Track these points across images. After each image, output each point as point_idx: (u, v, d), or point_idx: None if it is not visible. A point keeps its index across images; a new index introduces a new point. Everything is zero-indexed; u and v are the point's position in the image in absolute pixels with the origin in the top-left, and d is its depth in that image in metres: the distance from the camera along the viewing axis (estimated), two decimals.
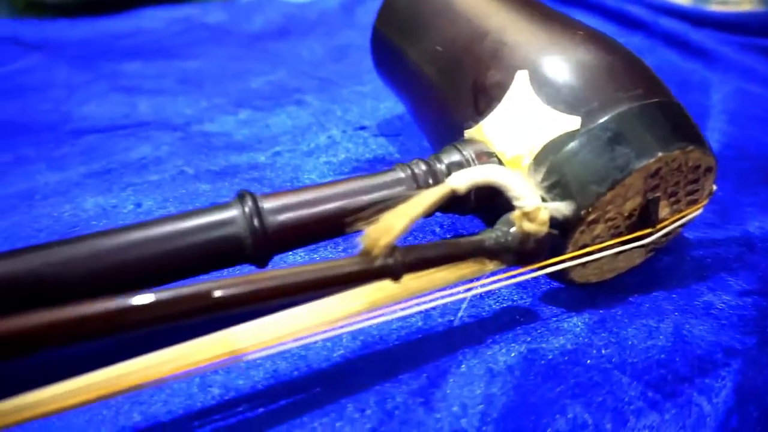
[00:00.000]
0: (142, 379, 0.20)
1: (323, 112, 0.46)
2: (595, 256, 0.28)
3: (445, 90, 0.33)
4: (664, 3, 0.64)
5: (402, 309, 0.25)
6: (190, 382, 0.24)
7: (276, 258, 0.25)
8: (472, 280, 0.26)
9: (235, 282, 0.21)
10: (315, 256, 0.31)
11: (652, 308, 0.29)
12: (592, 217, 0.27)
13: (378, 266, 0.22)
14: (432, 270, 0.25)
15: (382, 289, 0.24)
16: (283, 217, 0.26)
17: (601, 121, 0.27)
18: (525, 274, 0.26)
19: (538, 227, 0.25)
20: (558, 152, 0.27)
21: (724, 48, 0.55)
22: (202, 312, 0.20)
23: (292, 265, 0.27)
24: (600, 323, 0.28)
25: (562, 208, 0.25)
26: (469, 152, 0.29)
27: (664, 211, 0.29)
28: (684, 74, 0.54)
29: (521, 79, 0.29)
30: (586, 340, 0.27)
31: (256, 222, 0.25)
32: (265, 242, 0.25)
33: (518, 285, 0.30)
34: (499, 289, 0.29)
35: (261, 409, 0.23)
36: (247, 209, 0.25)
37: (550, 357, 0.26)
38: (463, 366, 0.25)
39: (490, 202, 0.29)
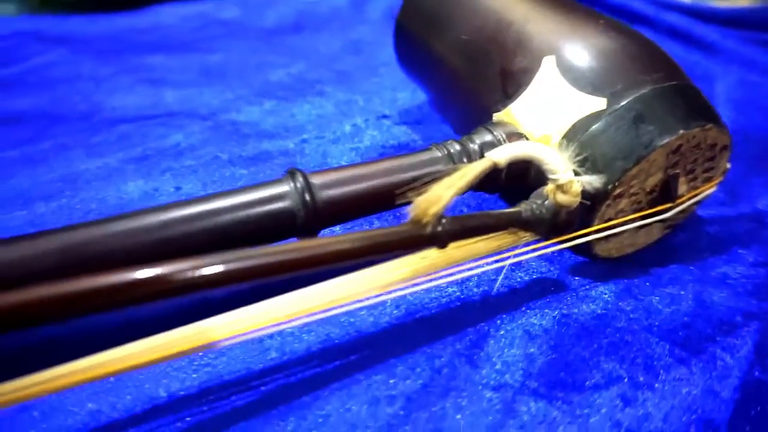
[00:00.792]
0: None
1: (345, 102, 0.48)
2: (620, 229, 0.30)
3: (471, 77, 0.35)
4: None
5: (440, 278, 0.26)
6: (246, 347, 0.26)
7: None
8: (504, 252, 0.28)
9: (299, 246, 0.23)
10: None
11: (672, 279, 0.31)
12: (618, 191, 0.28)
13: (428, 233, 0.24)
14: (471, 240, 0.27)
15: (425, 258, 0.26)
16: (331, 192, 0.27)
17: (626, 101, 0.29)
18: (557, 245, 0.28)
19: (571, 199, 0.27)
20: (585, 131, 0.29)
21: (726, 41, 0.58)
22: (270, 273, 0.22)
23: None
24: (625, 291, 0.29)
25: (594, 180, 0.27)
26: (499, 132, 0.31)
27: (682, 187, 0.31)
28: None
29: (548, 64, 0.31)
30: (613, 306, 0.28)
31: (307, 196, 0.27)
32: (315, 216, 0.27)
33: (546, 259, 0.32)
34: (529, 262, 0.31)
35: (317, 369, 0.25)
36: (298, 185, 0.27)
37: (582, 320, 0.27)
38: (501, 330, 0.27)
39: (517, 181, 0.31)
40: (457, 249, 0.27)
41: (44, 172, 0.38)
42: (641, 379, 0.24)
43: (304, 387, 0.24)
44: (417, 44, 0.40)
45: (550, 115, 0.30)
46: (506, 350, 0.26)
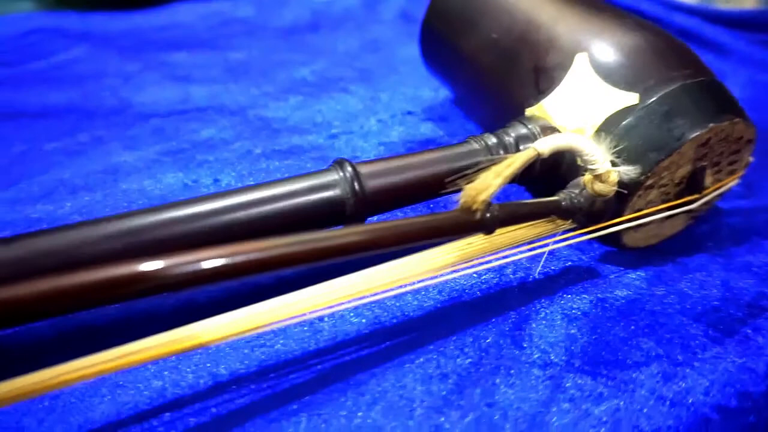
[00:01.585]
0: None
1: (370, 99, 0.49)
2: (650, 218, 0.31)
3: (502, 74, 0.37)
4: (673, 1, 0.68)
5: (481, 264, 0.28)
6: (299, 329, 0.27)
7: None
8: (537, 240, 0.29)
9: (358, 230, 0.24)
10: None
11: (699, 266, 0.32)
12: (649, 182, 0.30)
13: (478, 219, 0.25)
14: (513, 227, 0.28)
15: (471, 243, 0.27)
16: (379, 180, 0.29)
17: (657, 96, 0.30)
18: (590, 233, 0.30)
19: (608, 188, 0.28)
20: (619, 124, 0.30)
21: (735, 42, 0.59)
22: (333, 255, 0.23)
23: None
24: (656, 278, 0.31)
25: (630, 171, 0.29)
26: (534, 126, 0.32)
27: (708, 179, 0.32)
28: None
29: (581, 60, 0.32)
30: (646, 291, 0.30)
31: (356, 185, 0.28)
32: (364, 204, 0.28)
33: (576, 248, 0.33)
34: (561, 250, 0.33)
35: (369, 350, 0.26)
36: (347, 174, 0.28)
37: (617, 305, 0.29)
38: (541, 313, 0.28)
39: (550, 173, 0.32)
40: (501, 235, 0.28)
41: (84, 163, 0.39)
42: (679, 357, 0.26)
43: (358, 366, 0.26)
44: (444, 43, 0.42)
45: (583, 110, 0.31)
46: (548, 331, 0.27)
